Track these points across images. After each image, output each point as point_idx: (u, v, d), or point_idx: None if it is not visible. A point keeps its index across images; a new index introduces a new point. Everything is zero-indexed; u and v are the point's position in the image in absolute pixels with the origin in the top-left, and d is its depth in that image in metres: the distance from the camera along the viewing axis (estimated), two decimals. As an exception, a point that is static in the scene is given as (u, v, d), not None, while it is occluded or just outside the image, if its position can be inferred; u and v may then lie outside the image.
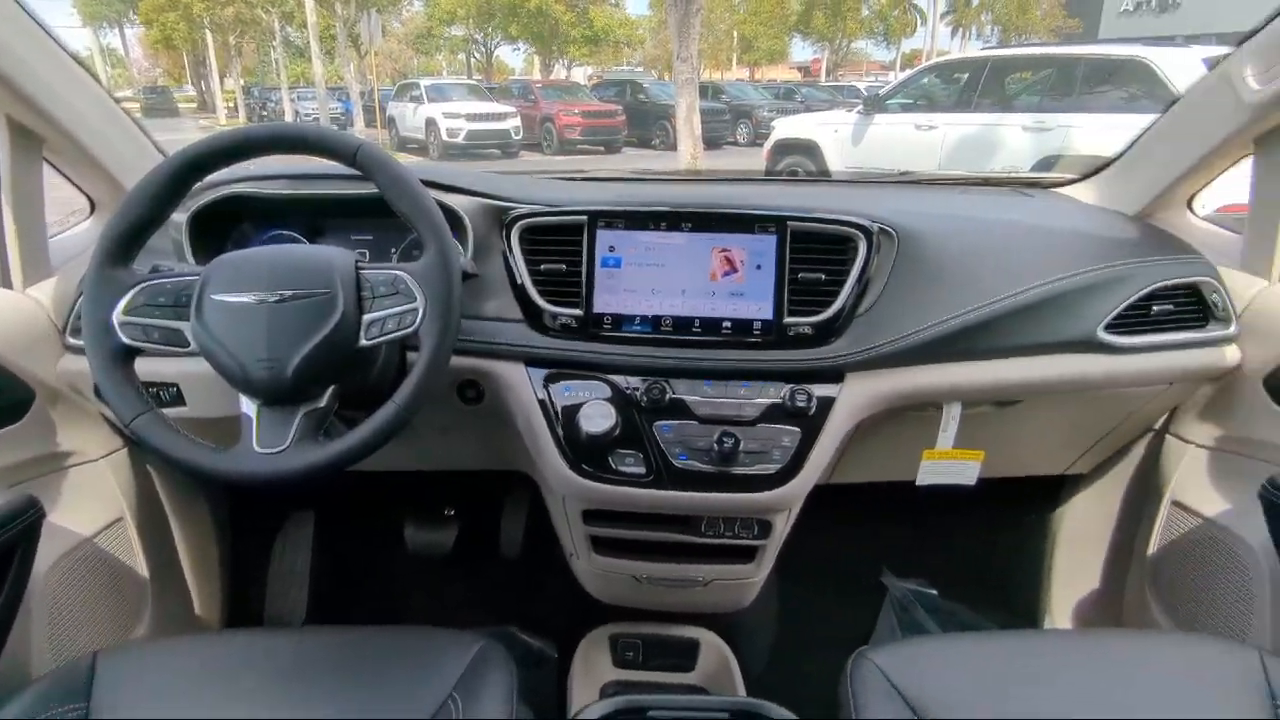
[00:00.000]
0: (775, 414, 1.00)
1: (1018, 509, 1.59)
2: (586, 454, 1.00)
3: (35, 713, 0.80)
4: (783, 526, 1.08)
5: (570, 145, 14.02)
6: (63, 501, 1.13)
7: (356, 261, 0.87)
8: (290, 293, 0.82)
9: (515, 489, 1.66)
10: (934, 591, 1.69)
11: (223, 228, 1.14)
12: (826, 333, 1.02)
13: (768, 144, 8.39)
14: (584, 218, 1.02)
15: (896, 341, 1.03)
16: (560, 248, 1.03)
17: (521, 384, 1.02)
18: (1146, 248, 1.17)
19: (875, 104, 7.41)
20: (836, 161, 7.47)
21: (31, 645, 1.03)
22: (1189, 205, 1.32)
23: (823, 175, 5.93)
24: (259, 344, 0.81)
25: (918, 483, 1.21)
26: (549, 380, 1.02)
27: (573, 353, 1.02)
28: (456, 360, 1.02)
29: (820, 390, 1.01)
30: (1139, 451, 1.37)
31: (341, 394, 0.89)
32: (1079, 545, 1.50)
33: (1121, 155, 1.36)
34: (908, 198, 1.40)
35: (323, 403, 0.85)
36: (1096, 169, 1.43)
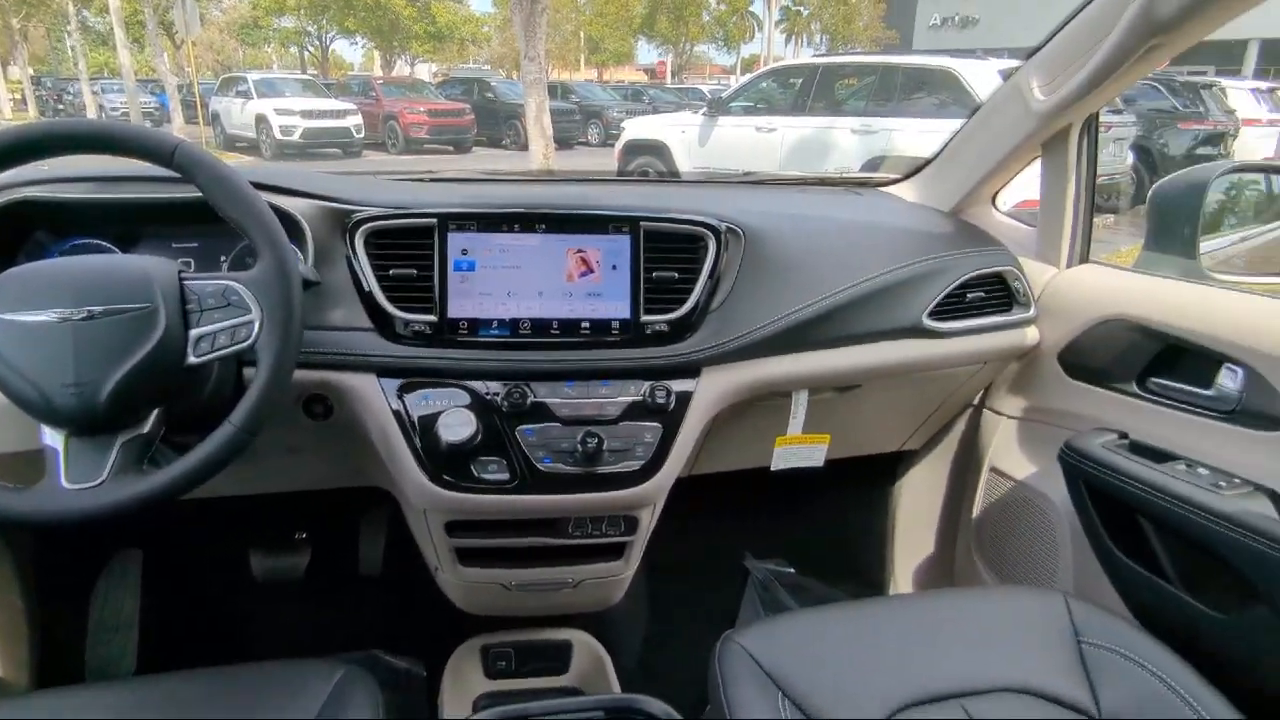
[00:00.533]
0: (636, 411, 1.02)
1: (861, 486, 1.71)
2: (447, 464, 0.97)
3: None
4: (649, 521, 1.10)
5: (417, 145, 13.56)
6: None
7: (180, 272, 0.79)
8: (100, 309, 0.74)
9: (372, 505, 1.58)
10: (791, 569, 1.78)
11: (11, 238, 1.00)
12: (682, 329, 1.05)
13: (619, 144, 8.51)
14: (434, 220, 0.99)
15: (747, 335, 1.08)
16: (409, 252, 1.00)
17: (374, 395, 0.98)
18: (960, 241, 1.29)
19: (719, 106, 7.70)
20: (685, 161, 7.70)
21: None
22: (993, 202, 1.48)
23: (673, 175, 6.10)
24: (65, 368, 0.72)
25: (772, 468, 1.27)
26: (403, 390, 0.98)
27: (428, 360, 0.99)
28: (300, 374, 0.95)
29: (678, 386, 1.04)
30: (961, 426, 1.51)
31: (169, 417, 0.82)
32: (915, 514, 1.63)
33: (935, 157, 1.50)
34: (752, 197, 1.47)
35: (145, 429, 0.77)
36: (916, 169, 1.56)
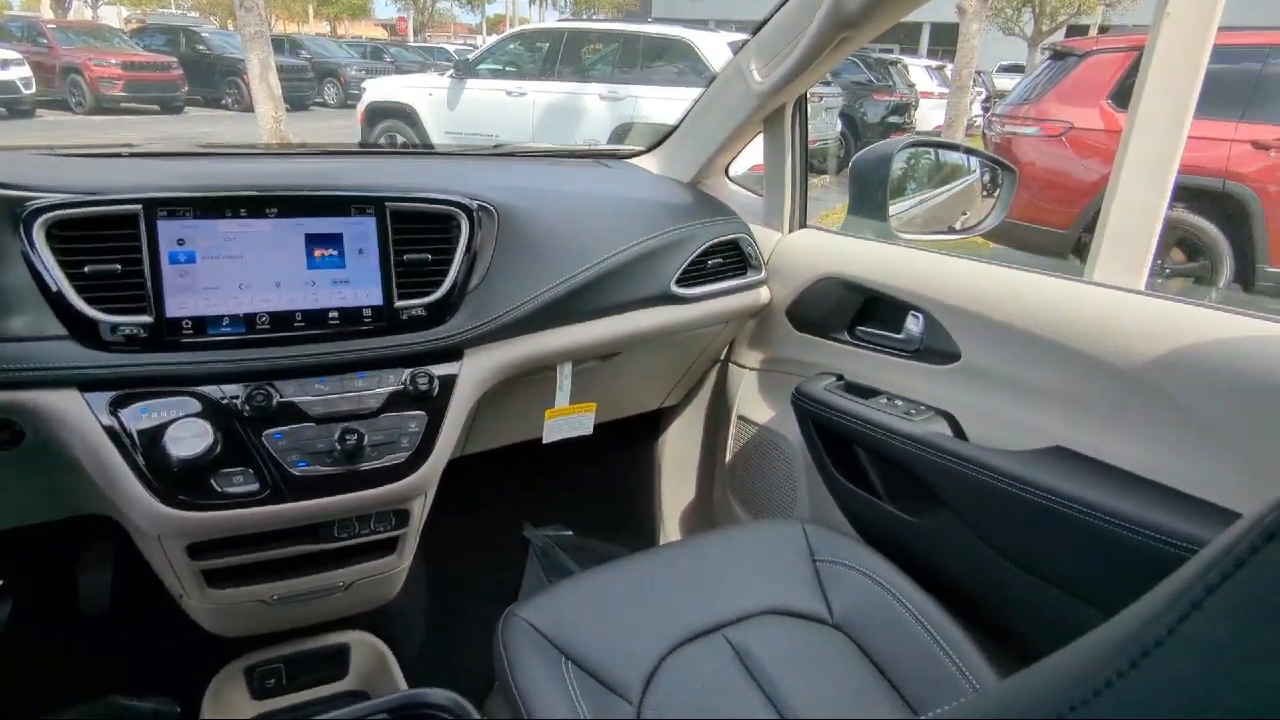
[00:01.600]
0: (398, 401, 0.98)
1: (627, 445, 1.80)
2: (181, 482, 0.86)
3: None
4: (421, 511, 1.08)
5: (111, 103, 11.59)
6: None
7: None
8: None
9: (89, 535, 1.37)
10: (569, 533, 1.85)
11: None
12: (440, 312, 1.03)
13: (360, 106, 7.95)
14: (137, 208, 0.87)
15: (507, 314, 1.08)
16: (109, 244, 0.86)
17: (78, 414, 0.84)
18: (699, 211, 1.39)
19: (466, 69, 7.46)
20: (433, 126, 7.39)
21: None
22: (726, 172, 1.61)
23: (422, 146, 5.82)
24: None
25: (544, 440, 1.30)
26: (117, 404, 0.85)
27: (145, 368, 0.87)
28: None
29: (440, 370, 1.02)
30: (712, 380, 1.65)
31: None
32: (677, 465, 1.76)
33: (675, 129, 1.59)
34: (504, 170, 1.46)
35: None
36: (658, 141, 1.65)
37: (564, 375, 1.24)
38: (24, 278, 0.84)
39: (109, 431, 0.84)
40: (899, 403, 1.20)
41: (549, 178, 1.42)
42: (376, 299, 0.98)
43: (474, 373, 1.05)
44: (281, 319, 0.93)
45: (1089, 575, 0.93)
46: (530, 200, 1.17)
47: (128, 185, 0.89)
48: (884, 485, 1.24)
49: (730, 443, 1.59)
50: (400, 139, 7.61)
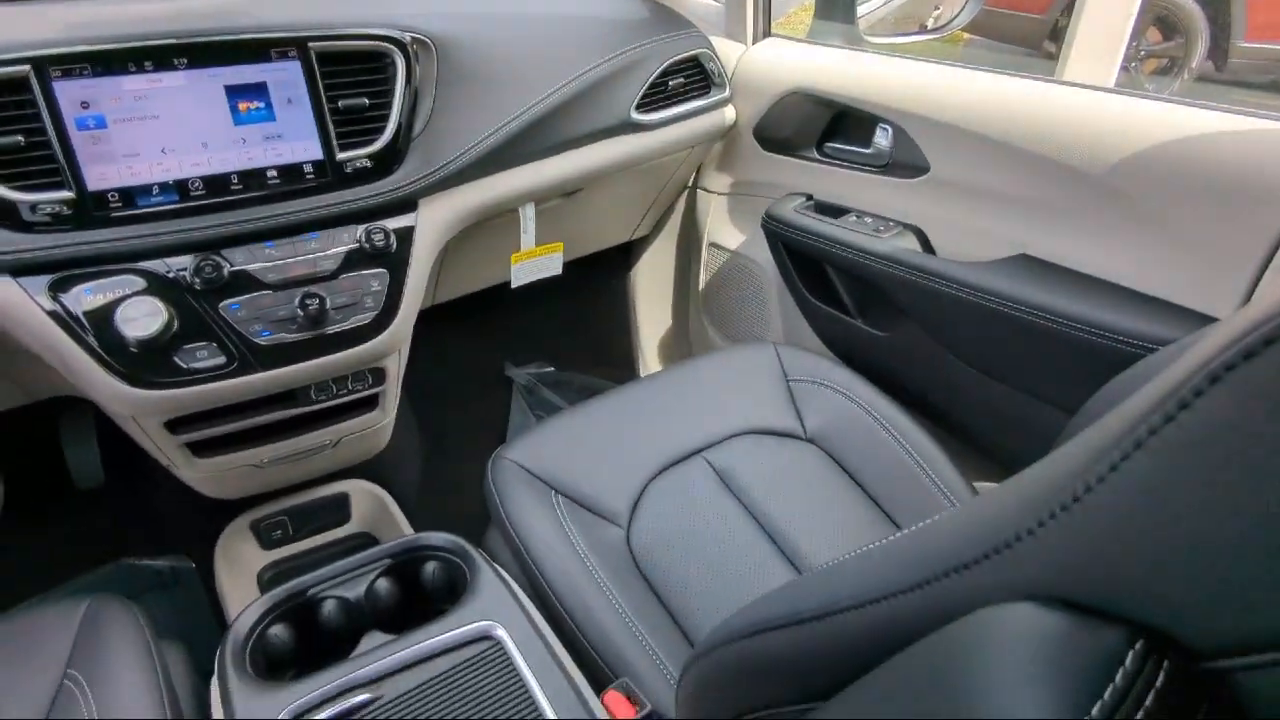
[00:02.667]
0: (356, 260, 0.95)
1: (602, 279, 1.79)
2: (142, 362, 0.84)
3: None
4: (397, 366, 1.08)
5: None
6: None
7: None
8: None
9: (67, 412, 1.37)
10: (551, 368, 1.88)
11: None
12: (387, 161, 0.96)
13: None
14: (26, 69, 0.77)
15: (460, 158, 1.02)
16: (4, 113, 0.78)
17: (16, 302, 0.80)
18: (655, 27, 1.28)
19: None
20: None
21: None
22: (682, -24, 1.46)
23: None
24: None
25: (512, 285, 1.28)
26: (56, 288, 0.81)
27: (78, 247, 0.81)
28: None
29: (395, 224, 0.97)
30: (681, 207, 1.61)
31: None
32: (652, 296, 1.76)
33: None
34: None
35: None
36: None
37: (527, 217, 1.19)
38: None
39: (54, 317, 0.80)
40: (868, 220, 1.18)
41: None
42: (315, 152, 0.91)
43: (431, 223, 1.01)
44: (216, 183, 0.87)
45: (1054, 380, 0.97)
46: (469, 27, 1.07)
47: (8, 43, 0.79)
48: (854, 303, 1.25)
49: (703, 270, 1.58)
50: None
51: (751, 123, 1.36)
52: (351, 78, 0.92)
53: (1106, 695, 0.24)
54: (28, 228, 0.80)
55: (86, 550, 1.38)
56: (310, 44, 0.89)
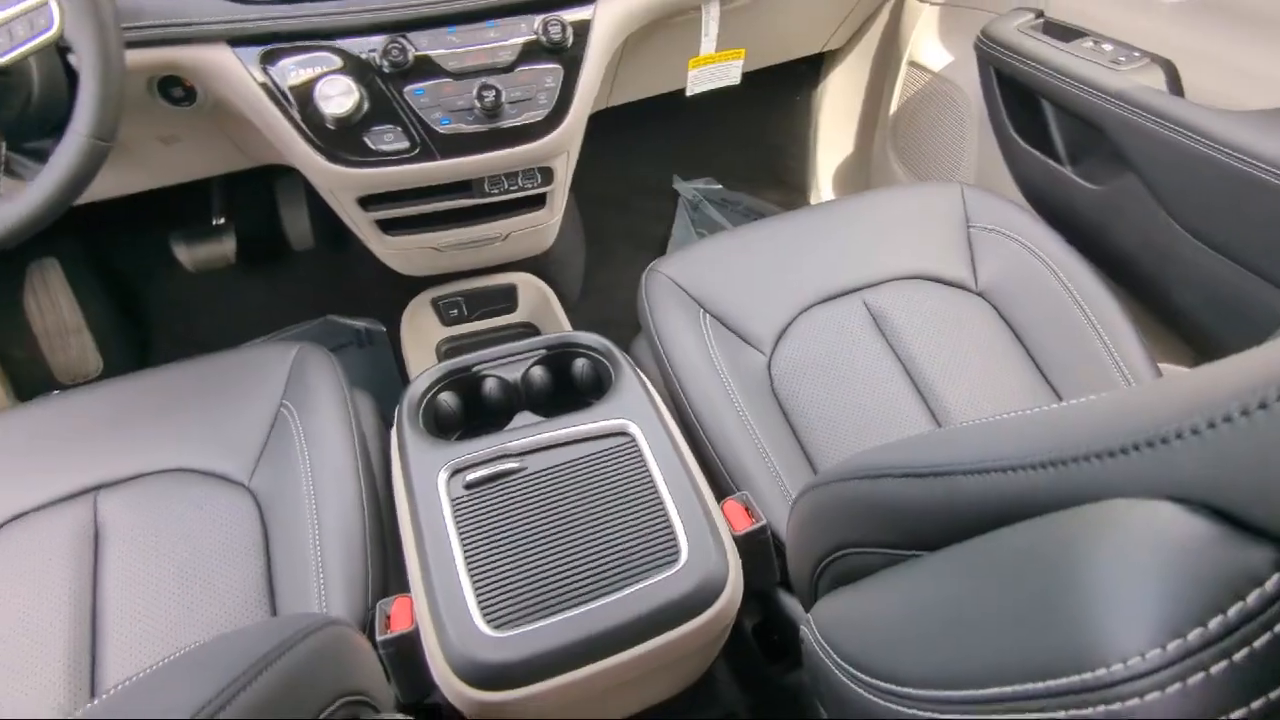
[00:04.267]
0: (532, 53, 0.94)
1: (784, 91, 1.67)
2: (338, 139, 0.90)
3: None
4: (565, 168, 1.09)
5: None
6: None
7: None
8: None
9: (284, 180, 1.52)
10: (719, 186, 1.83)
11: None
12: None
13: None
14: None
15: None
16: None
17: (233, 70, 0.87)
18: None
19: None
20: None
21: None
22: None
23: None
24: None
25: (688, 93, 1.22)
26: (266, 59, 0.87)
27: (285, 20, 0.86)
28: (140, 55, 0.84)
29: (573, 15, 0.94)
30: (884, 18, 1.43)
31: (4, 127, 0.73)
32: (836, 117, 1.63)
33: None
34: None
35: None
36: None
37: (710, 17, 1.11)
38: None
39: (264, 89, 0.87)
40: (1107, 47, 1.00)
41: None
42: None
43: (609, 17, 0.97)
44: None
45: None
46: None
47: None
48: (1068, 148, 1.10)
49: (897, 93, 1.42)
50: None
51: None
52: None
53: (1231, 612, 0.22)
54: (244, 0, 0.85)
55: (298, 305, 1.60)
56: None
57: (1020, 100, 1.12)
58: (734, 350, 0.96)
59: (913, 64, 1.36)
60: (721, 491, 0.86)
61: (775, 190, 1.82)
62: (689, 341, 0.96)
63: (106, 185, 0.77)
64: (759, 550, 0.74)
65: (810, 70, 1.61)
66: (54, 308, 1.46)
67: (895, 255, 1.03)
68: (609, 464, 0.77)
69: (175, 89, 0.92)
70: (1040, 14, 1.09)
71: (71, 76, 0.82)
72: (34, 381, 1.45)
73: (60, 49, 0.79)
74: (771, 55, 1.43)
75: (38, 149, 0.81)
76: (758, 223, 1.09)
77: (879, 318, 0.98)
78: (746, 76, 1.24)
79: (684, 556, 0.68)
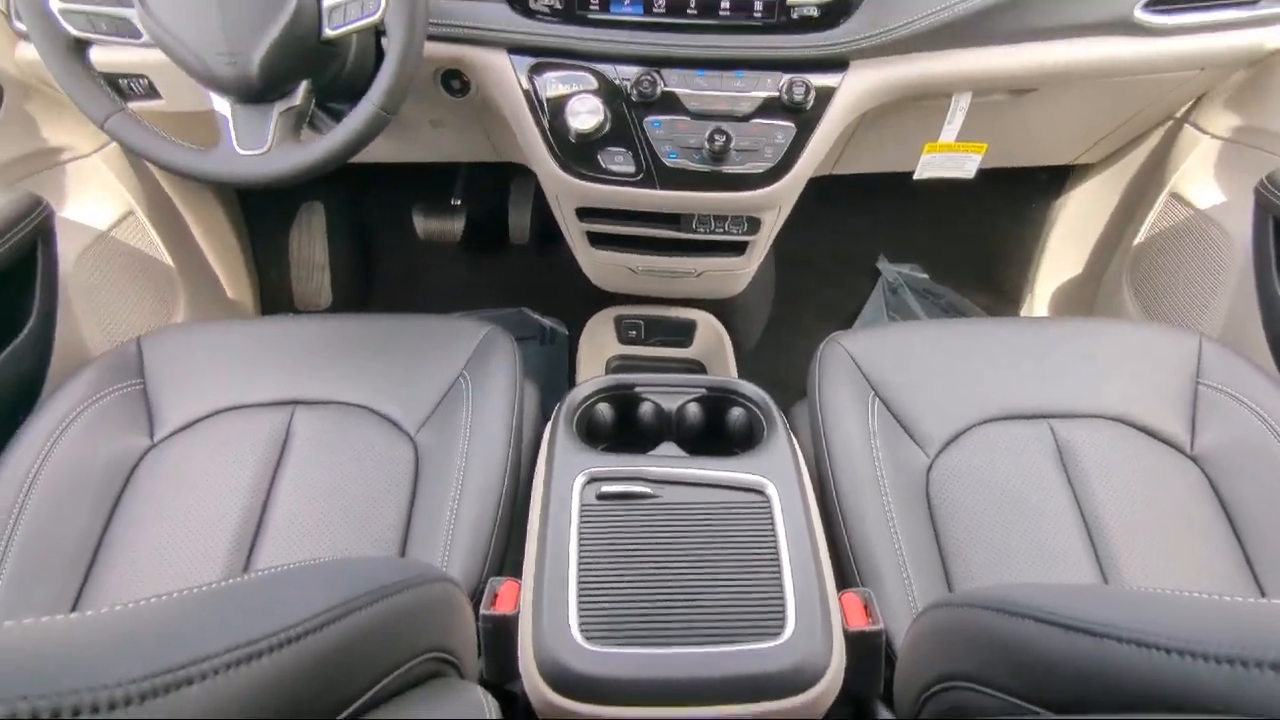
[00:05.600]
0: (770, 108, 0.96)
1: (1018, 197, 1.59)
2: (575, 152, 0.98)
3: (99, 388, 0.92)
4: (774, 221, 1.10)
5: None
6: (69, 199, 1.16)
7: None
8: None
9: (519, 178, 1.66)
10: (926, 275, 1.77)
11: None
12: (835, 14, 0.93)
13: None
14: None
15: (910, 24, 0.95)
16: None
17: (506, 73, 0.97)
18: None
19: None
20: None
21: (82, 333, 1.14)
22: None
23: None
24: (215, 36, 0.76)
25: (916, 176, 1.19)
26: (534, 70, 0.97)
27: (559, 39, 0.95)
28: (435, 48, 0.96)
29: (820, 80, 0.96)
30: (1153, 141, 1.32)
31: (319, 87, 0.87)
32: (1071, 234, 1.52)
33: None
34: None
35: (298, 100, 0.83)
36: None
37: (958, 106, 1.08)
38: None
39: (526, 95, 0.97)
40: None
41: None
42: None
43: (855, 88, 0.97)
44: (676, 4, 0.93)
45: None
46: None
47: None
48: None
49: (1149, 222, 1.31)
50: None
51: None
52: None
53: None
54: (529, 14, 0.95)
55: (501, 290, 1.73)
56: None
57: (1299, 259, 0.99)
58: (896, 442, 0.92)
59: (1175, 195, 1.24)
60: (845, 581, 0.82)
61: (984, 294, 1.73)
62: (851, 421, 0.93)
63: (379, 151, 0.89)
64: (869, 653, 0.70)
65: (1054, 180, 1.52)
66: (310, 244, 1.69)
67: (1101, 391, 0.94)
68: (739, 518, 0.76)
69: (454, 81, 1.04)
70: (1346, 172, 0.96)
71: (378, 55, 0.95)
72: (277, 301, 1.68)
73: (378, 31, 0.93)
74: (1015, 157, 1.37)
75: (337, 110, 0.95)
76: (957, 320, 1.05)
77: (1065, 451, 0.90)
78: (982, 172, 1.20)
79: (787, 633, 0.66)
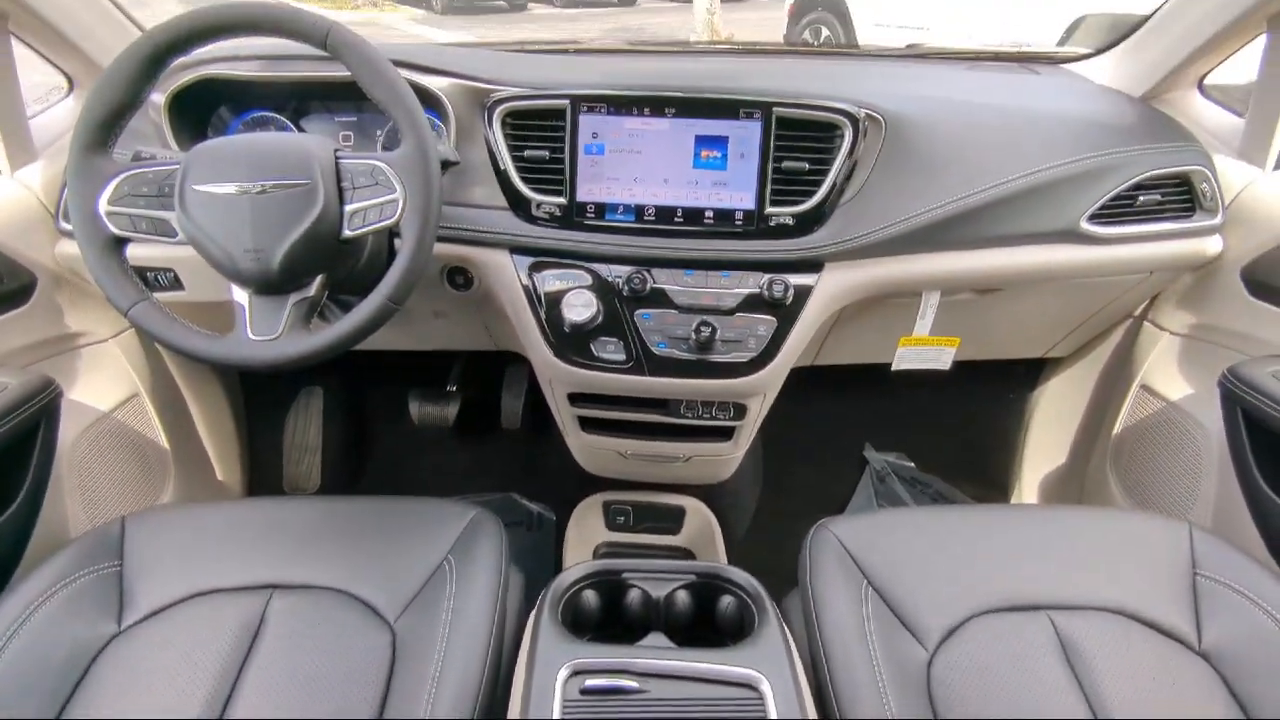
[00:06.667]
0: (753, 304, 1.03)
1: (997, 388, 1.64)
2: (569, 341, 1.04)
3: (74, 569, 0.90)
4: (759, 408, 1.14)
5: (583, -2, 13.16)
6: (79, 380, 1.20)
7: (336, 151, 0.88)
8: (271, 183, 0.84)
9: (513, 366, 1.72)
10: (912, 464, 1.78)
11: (202, 110, 1.13)
12: (808, 223, 1.03)
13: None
14: (565, 102, 1.01)
15: (877, 232, 1.04)
16: (543, 133, 1.03)
17: (508, 271, 1.05)
18: (1143, 134, 1.15)
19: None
20: (861, 17, 7.01)
21: (66, 512, 1.13)
22: (1200, 85, 1.28)
23: (830, 47, 5.62)
24: (244, 235, 0.83)
25: (893, 368, 1.25)
26: (534, 269, 1.05)
27: (557, 241, 1.04)
28: (444, 248, 1.04)
29: (798, 280, 1.03)
30: (1117, 337, 1.40)
31: (333, 281, 0.93)
32: (1051, 425, 1.56)
33: (1136, 30, 1.30)
34: (911, 75, 1.36)
35: (312, 292, 0.88)
36: (1112, 43, 1.37)
37: (929, 304, 1.16)
38: (483, 157, 1.05)
39: (525, 290, 1.04)
40: None
41: (958, 85, 1.28)
42: (749, 204, 1.02)
43: (830, 287, 1.05)
44: (665, 213, 1.03)
45: None
46: (927, 110, 1.08)
47: (563, 81, 1.04)
48: (1332, 512, 0.96)
49: (1124, 414, 1.35)
50: (825, 32, 7.41)
51: (1242, 260, 1.13)
52: (798, 143, 1.01)
53: None
54: (531, 220, 1.04)
55: (490, 473, 1.73)
56: (775, 108, 1.00)
57: (1272, 450, 1.02)
58: (892, 635, 0.89)
59: (1145, 388, 1.29)
60: None
61: (972, 483, 1.73)
62: (845, 612, 0.90)
63: (382, 339, 0.94)
64: None
65: (1030, 372, 1.58)
66: (305, 429, 1.71)
67: (1099, 583, 0.92)
68: (728, 714, 0.72)
69: (459, 276, 1.12)
70: (1302, 366, 1.02)
71: (390, 252, 1.03)
72: (266, 484, 1.67)
73: (392, 233, 1.01)
74: (988, 351, 1.43)
75: (346, 302, 1.02)
76: (948, 507, 1.05)
77: (1069, 646, 0.86)
78: (960, 365, 1.26)
79: None
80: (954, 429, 1.77)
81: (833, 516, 1.02)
